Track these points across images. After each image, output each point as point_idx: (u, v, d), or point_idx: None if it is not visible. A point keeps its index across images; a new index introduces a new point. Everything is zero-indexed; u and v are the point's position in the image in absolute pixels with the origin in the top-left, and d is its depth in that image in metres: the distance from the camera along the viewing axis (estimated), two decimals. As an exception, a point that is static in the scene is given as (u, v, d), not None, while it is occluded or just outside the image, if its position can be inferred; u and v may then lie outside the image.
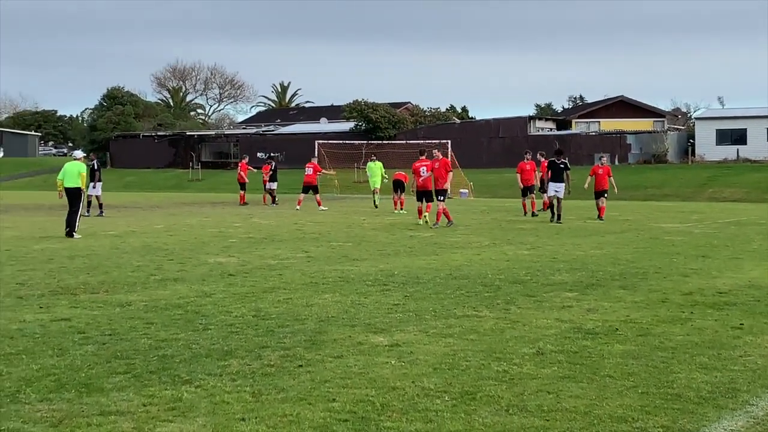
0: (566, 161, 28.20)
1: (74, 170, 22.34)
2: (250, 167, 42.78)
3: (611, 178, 29.62)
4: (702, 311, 10.14)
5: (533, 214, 30.86)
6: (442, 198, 25.24)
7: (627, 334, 8.71)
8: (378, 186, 38.71)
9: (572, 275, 13.53)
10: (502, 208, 37.28)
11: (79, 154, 23.68)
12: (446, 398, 6.33)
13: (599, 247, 18.58)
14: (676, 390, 6.62)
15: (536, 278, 13.13)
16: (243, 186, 41.71)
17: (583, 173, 32.97)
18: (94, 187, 31.38)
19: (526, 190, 31.85)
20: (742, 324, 9.34)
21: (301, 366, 7.33)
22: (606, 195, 29.33)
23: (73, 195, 22.13)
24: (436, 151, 26.37)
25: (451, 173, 25.59)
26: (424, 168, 25.54)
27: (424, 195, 25.59)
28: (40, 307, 10.39)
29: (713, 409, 6.14)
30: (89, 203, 31.22)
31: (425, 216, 25.43)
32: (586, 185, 29.75)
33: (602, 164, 30.11)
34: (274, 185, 40.75)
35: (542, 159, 35.10)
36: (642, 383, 6.81)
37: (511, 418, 5.86)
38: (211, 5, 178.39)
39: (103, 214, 30.76)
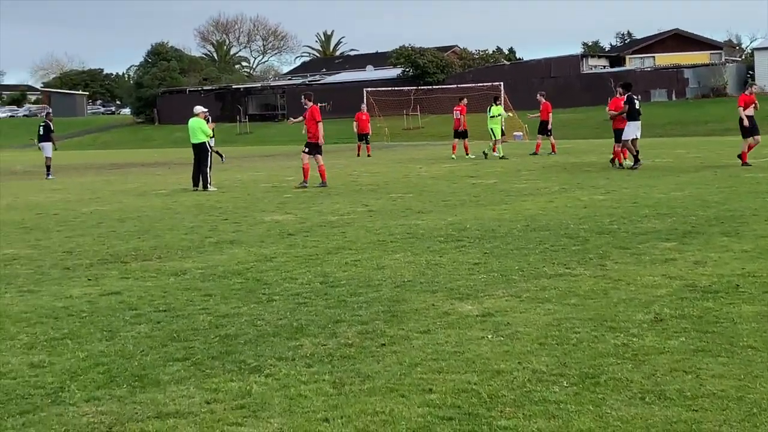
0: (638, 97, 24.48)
1: (196, 126, 22.50)
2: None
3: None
4: (828, 260, 8.96)
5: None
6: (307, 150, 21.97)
7: (752, 292, 7.57)
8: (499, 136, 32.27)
9: (662, 222, 12.34)
10: (561, 149, 35.83)
11: (198, 109, 23.11)
12: (565, 384, 5.28)
13: (680, 189, 17.30)
14: (837, 363, 5.52)
15: (624, 227, 11.97)
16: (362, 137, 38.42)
17: (646, 110, 31.10)
18: (39, 148, 30.63)
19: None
20: None
21: (384, 345, 6.34)
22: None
23: (199, 150, 22.34)
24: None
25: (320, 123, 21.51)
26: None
27: None
28: (89, 279, 9.52)
29: None
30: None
31: None
32: (746, 122, 22.92)
33: (751, 92, 23.76)
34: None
35: (542, 99, 33.67)
36: (793, 356, 5.71)
37: (651, 409, 4.80)
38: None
39: (50, 176, 29.48)
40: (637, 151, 23.64)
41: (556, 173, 23.18)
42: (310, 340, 6.57)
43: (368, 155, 37.23)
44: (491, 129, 32.10)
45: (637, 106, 23.96)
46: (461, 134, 33.33)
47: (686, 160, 26.59)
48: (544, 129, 33.98)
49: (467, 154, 32.87)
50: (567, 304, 7.42)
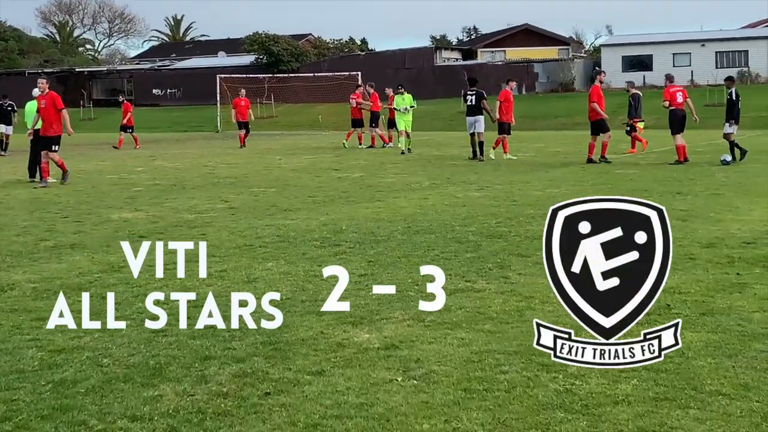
0: (480, 91, 24.68)
1: (36, 110, 19.88)
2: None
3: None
4: (748, 270, 8.14)
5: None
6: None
7: (686, 314, 6.63)
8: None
9: (553, 224, 11.42)
10: (418, 141, 34.89)
11: (37, 92, 19.74)
12: (512, 454, 4.12)
13: (554, 185, 16.60)
14: (825, 413, 4.56)
15: (514, 229, 10.97)
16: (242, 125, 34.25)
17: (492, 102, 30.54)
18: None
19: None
20: (809, 289, 7.38)
21: (268, 394, 5.01)
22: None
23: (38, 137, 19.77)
24: None
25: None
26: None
27: None
28: None
29: None
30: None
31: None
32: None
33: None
34: (9, 129, 33.56)
35: (371, 90, 32.65)
36: (772, 404, 4.73)
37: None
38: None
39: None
40: (481, 143, 24.14)
41: (422, 167, 22.24)
42: (172, 387, 5.17)
43: (242, 146, 33.20)
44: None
45: (468, 102, 24.59)
46: (357, 123, 32.45)
47: (548, 155, 26.26)
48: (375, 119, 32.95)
49: (360, 144, 32.15)
50: (481, 330, 6.27)
